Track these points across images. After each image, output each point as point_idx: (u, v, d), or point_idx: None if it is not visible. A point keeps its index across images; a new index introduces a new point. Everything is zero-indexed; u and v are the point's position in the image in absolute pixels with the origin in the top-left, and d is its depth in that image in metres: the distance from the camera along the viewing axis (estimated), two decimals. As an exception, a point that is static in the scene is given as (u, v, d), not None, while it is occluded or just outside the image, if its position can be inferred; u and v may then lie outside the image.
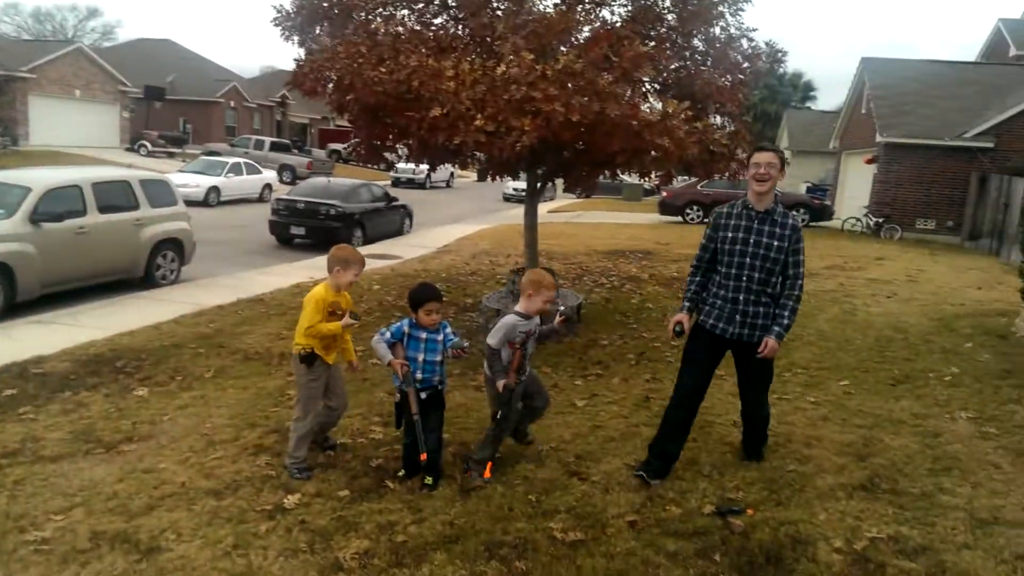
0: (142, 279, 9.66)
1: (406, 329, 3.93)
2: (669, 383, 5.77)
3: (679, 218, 21.64)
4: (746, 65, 6.90)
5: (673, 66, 6.65)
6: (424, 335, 3.91)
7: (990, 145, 18.73)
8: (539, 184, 7.60)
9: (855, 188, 22.94)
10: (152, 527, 3.39)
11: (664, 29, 6.64)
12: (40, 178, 8.77)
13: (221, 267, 11.38)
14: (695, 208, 21.56)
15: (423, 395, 3.88)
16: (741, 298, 3.85)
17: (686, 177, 15.88)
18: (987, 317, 8.77)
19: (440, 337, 3.95)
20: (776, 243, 3.78)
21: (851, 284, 11.07)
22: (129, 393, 5.31)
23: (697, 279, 4.09)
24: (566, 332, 7.40)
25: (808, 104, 49.02)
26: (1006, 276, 12.44)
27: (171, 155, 32.16)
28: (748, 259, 3.80)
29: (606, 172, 6.77)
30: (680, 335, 4.01)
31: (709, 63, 6.79)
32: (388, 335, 3.92)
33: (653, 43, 6.43)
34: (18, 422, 4.65)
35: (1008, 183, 16.94)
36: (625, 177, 7.92)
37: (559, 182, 7.85)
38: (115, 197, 9.30)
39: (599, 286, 10.38)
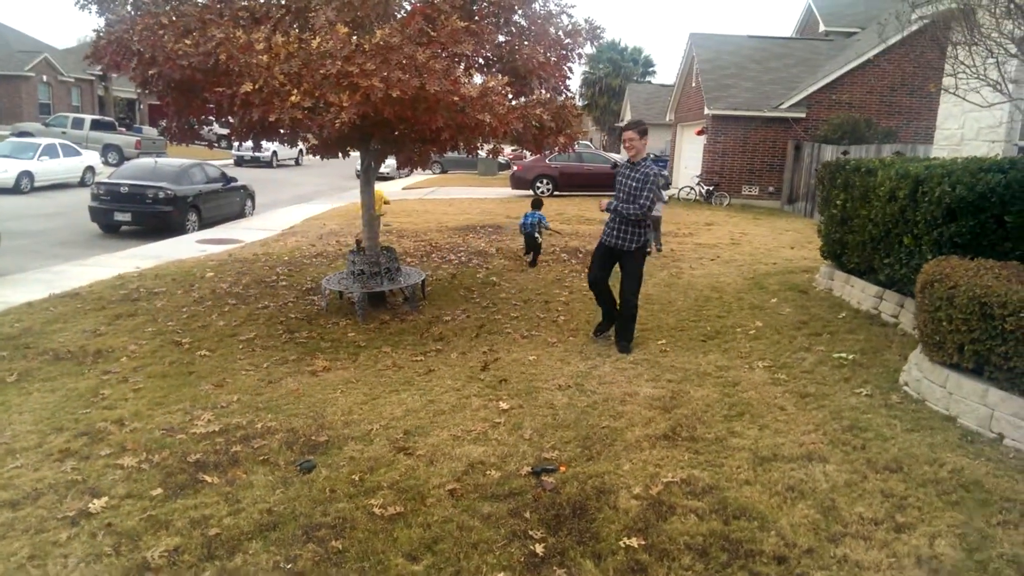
0: (-68, 278, 8.61)
1: None
2: (506, 353, 6.01)
3: (530, 191, 22.14)
4: (568, 41, 7.13)
5: (497, 41, 6.75)
6: None
7: (802, 115, 20.56)
8: (372, 162, 7.51)
9: (689, 158, 24.45)
10: (-71, 551, 3.10)
11: (486, 4, 6.71)
12: None
13: (33, 260, 10.36)
14: (544, 181, 22.13)
15: None
16: (617, 219, 6.01)
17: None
18: (793, 274, 9.74)
19: None
20: (634, 183, 5.86)
21: (680, 249, 11.87)
22: (-92, 406, 4.77)
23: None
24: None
25: (648, 79, 51.46)
26: (817, 237, 13.83)
27: (-29, 136, 28.59)
28: (621, 194, 5.98)
29: (435, 149, 6.81)
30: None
31: (531, 38, 6.95)
32: None
33: (477, 18, 6.49)
34: None
35: (818, 150, 18.72)
36: (481, 153, 7.94)
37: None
38: None
39: (447, 262, 10.47)
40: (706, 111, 21.26)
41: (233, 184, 15.78)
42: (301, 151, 34.80)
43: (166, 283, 8.76)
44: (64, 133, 26.70)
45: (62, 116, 30.70)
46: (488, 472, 3.82)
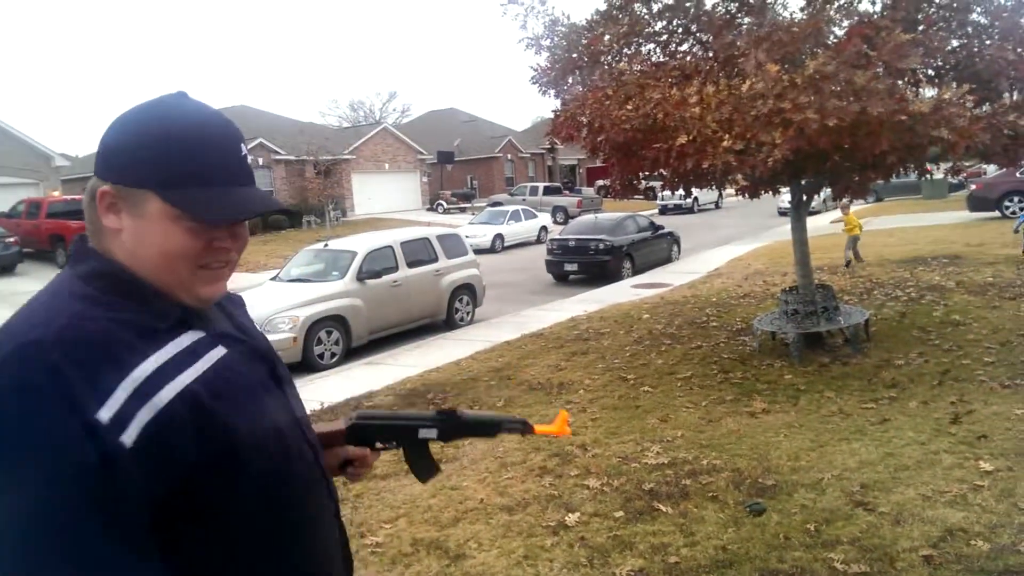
0: (444, 322, 11.06)
1: None
2: (980, 405, 5.11)
3: (995, 212, 18.51)
4: (1048, 30, 5.88)
5: (948, 47, 5.93)
6: None
7: None
8: (803, 196, 7.22)
9: None
10: (458, 537, 3.95)
11: (933, 9, 5.97)
12: (362, 242, 10.61)
13: (507, 306, 12.52)
14: (1016, 199, 18.27)
15: None
16: None
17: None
18: None
19: None
20: None
21: None
22: (436, 422, 6.16)
23: None
24: (852, 353, 6.87)
25: None
26: None
27: (463, 210, 36.04)
28: None
29: (877, 175, 6.22)
30: None
31: (996, 36, 5.92)
32: None
33: (921, 27, 5.82)
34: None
35: None
36: (937, 174, 7.04)
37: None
38: (419, 252, 10.85)
39: (892, 299, 9.39)
40: None
41: (660, 231, 16.77)
42: (720, 195, 35.20)
43: (609, 324, 9.69)
44: (524, 200, 31.81)
45: (522, 186, 36.73)
46: (973, 542, 3.27)
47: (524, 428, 1.35)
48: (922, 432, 4.74)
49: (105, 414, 0.85)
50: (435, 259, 11.00)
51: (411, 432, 1.31)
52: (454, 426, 1.32)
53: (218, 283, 1.04)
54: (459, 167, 44.32)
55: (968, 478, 3.95)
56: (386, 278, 10.12)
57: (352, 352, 9.55)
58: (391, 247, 10.47)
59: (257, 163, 31.29)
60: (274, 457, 1.02)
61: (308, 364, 8.89)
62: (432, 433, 1.29)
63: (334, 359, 9.26)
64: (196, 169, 0.98)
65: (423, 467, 1.37)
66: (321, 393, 7.38)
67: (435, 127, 48.40)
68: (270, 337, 9.20)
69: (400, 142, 39.47)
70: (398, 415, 1.37)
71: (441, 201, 37.16)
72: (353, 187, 35.97)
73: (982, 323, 7.57)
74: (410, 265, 10.55)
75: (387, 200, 37.01)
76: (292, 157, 32.52)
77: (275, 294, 9.64)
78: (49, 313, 0.92)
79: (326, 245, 10.95)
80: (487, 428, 1.36)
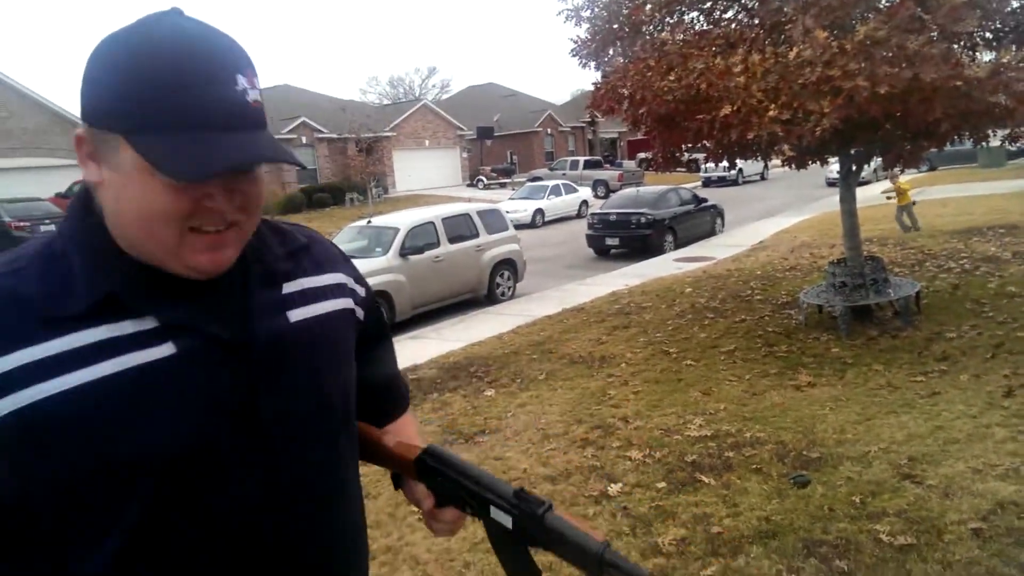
0: (486, 296, 11.15)
1: None
2: (1035, 377, 4.97)
3: (1060, 179, 17.73)
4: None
5: (1008, 8, 5.67)
6: None
7: None
8: (853, 166, 7.04)
9: None
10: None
11: (995, -32, 5.72)
12: (404, 219, 10.73)
13: (548, 281, 12.54)
14: (1083, 164, 17.44)
15: None
16: None
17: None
18: None
19: None
20: None
21: None
22: (481, 394, 6.27)
23: None
24: (903, 325, 6.73)
25: None
26: None
27: (503, 185, 36.01)
28: None
29: (931, 143, 6.01)
30: None
31: (1062, -6, 5.65)
32: None
33: (981, -13, 5.59)
34: (402, 418, 5.84)
35: None
36: (994, 141, 6.79)
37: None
38: (460, 228, 10.92)
39: (945, 271, 9.12)
40: None
41: (703, 204, 16.52)
42: (766, 166, 34.40)
43: (651, 298, 9.65)
44: (564, 174, 31.60)
45: (562, 160, 36.47)
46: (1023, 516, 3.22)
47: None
48: (973, 405, 4.64)
49: None
50: (476, 234, 11.06)
51: (482, 504, 1.00)
52: (534, 524, 0.94)
53: (219, 251, 0.84)
54: (498, 142, 44.17)
55: (1021, 452, 3.87)
56: (428, 253, 10.23)
57: (396, 327, 9.71)
58: (432, 223, 10.56)
59: (301, 141, 31.76)
60: (169, 482, 0.83)
61: (354, 338, 9.07)
62: (506, 520, 0.98)
63: (379, 334, 9.42)
64: (168, 108, 0.77)
65: (513, 561, 1.01)
66: (367, 366, 7.55)
67: (474, 102, 48.26)
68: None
69: (440, 118, 39.50)
70: (469, 472, 1.03)
71: (481, 177, 37.17)
72: (394, 164, 36.22)
73: (1040, 295, 7.32)
74: (451, 241, 10.63)
75: (427, 177, 37.19)
76: (334, 135, 32.87)
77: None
78: None
79: (369, 222, 11.10)
80: (578, 554, 0.90)
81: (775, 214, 19.87)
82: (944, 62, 4.84)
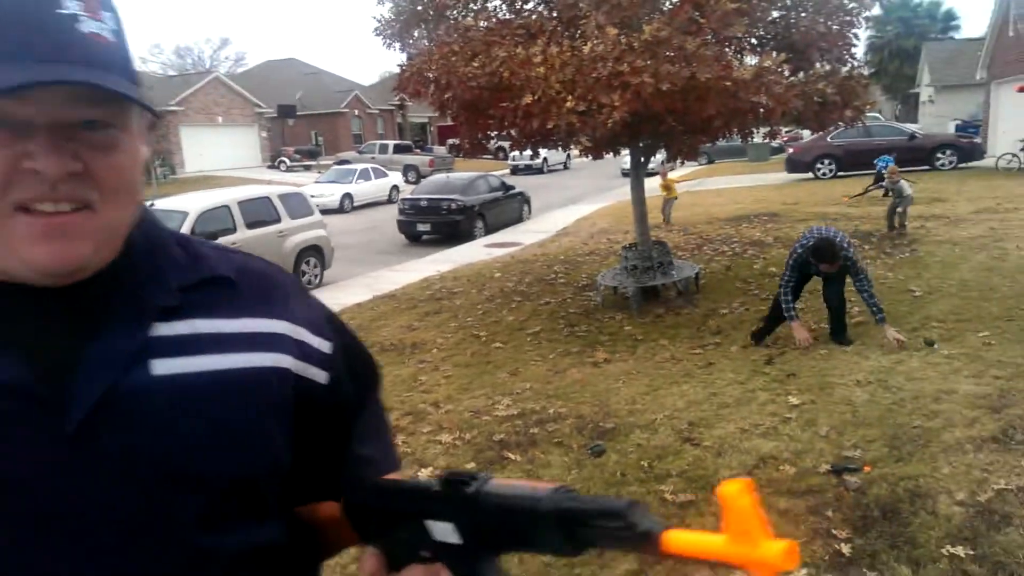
0: (289, 285, 10.60)
1: None
2: (790, 347, 5.70)
3: (809, 174, 20.52)
4: (852, 5, 6.53)
5: (770, 18, 6.42)
6: None
7: None
8: (641, 158, 7.60)
9: (1009, 120, 20.66)
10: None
11: (757, -20, 6.43)
12: (194, 202, 9.87)
13: (357, 268, 12.22)
14: (826, 161, 20.33)
15: None
16: None
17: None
18: None
19: None
20: None
21: (1004, 227, 10.13)
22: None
23: None
24: (684, 304, 7.41)
25: (950, 34, 44.42)
26: None
27: (307, 168, 34.47)
28: None
29: (706, 138, 6.67)
30: None
31: (810, 9, 6.49)
32: None
33: (746, -4, 6.26)
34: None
35: None
36: (756, 138, 7.64)
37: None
38: (259, 213, 10.26)
39: (719, 254, 10.19)
40: (1032, 61, 17.83)
41: (511, 191, 17.01)
42: (568, 155, 36.22)
43: (462, 284, 9.76)
44: (373, 158, 30.95)
45: (372, 144, 35.69)
46: (781, 467, 3.69)
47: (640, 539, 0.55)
48: (741, 373, 5.23)
49: None
50: (278, 219, 10.47)
51: (416, 526, 0.70)
52: (478, 514, 0.65)
53: (60, 241, 0.63)
54: (302, 122, 42.18)
55: (779, 412, 4.42)
56: (222, 240, 9.50)
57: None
58: (227, 207, 9.83)
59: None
60: None
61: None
62: (447, 530, 0.67)
63: (168, 327, 8.63)
64: None
65: None
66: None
67: (274, 78, 45.54)
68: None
69: (235, 94, 36.90)
70: (388, 488, 0.78)
71: (283, 158, 35.31)
72: (182, 142, 33.27)
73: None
74: (250, 226, 9.97)
75: (222, 157, 34.59)
76: (111, 107, 29.43)
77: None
78: None
79: (152, 205, 10.08)
80: (529, 523, 0.62)
81: (577, 202, 20.98)
82: (717, 63, 5.36)
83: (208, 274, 0.77)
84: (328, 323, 0.88)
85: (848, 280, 5.55)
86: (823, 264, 5.34)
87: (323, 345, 0.84)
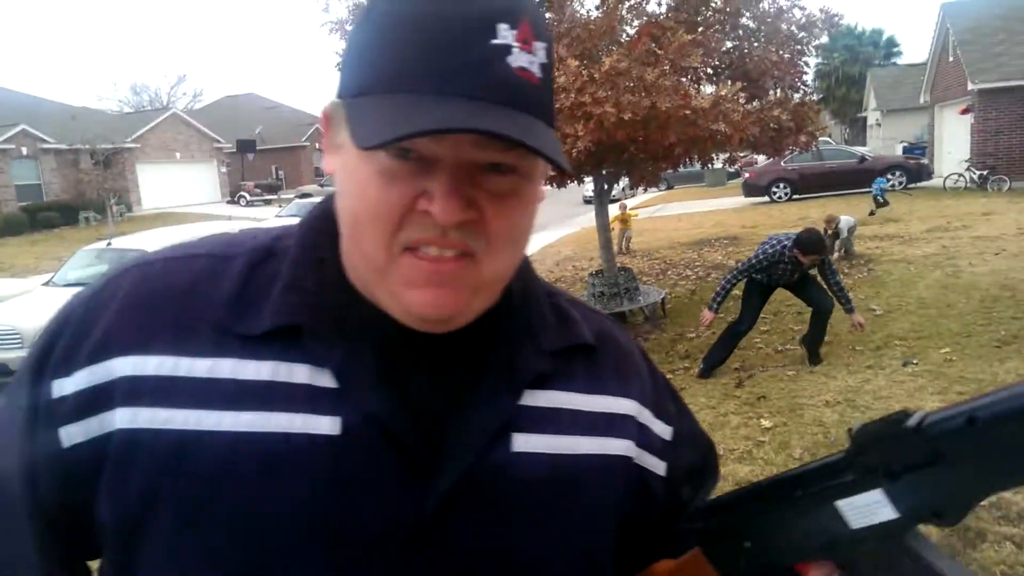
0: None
1: None
2: (760, 368, 5.75)
3: (765, 198, 21.01)
4: (802, 35, 6.74)
5: (724, 48, 6.59)
6: None
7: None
8: (604, 185, 7.68)
9: (953, 142, 21.54)
10: None
11: (710, 12, 6.60)
12: (154, 240, 9.64)
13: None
14: (781, 185, 20.85)
15: None
16: None
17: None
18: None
19: None
20: None
21: (955, 245, 10.46)
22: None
23: None
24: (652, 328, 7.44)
25: (893, 60, 46.34)
26: None
27: (267, 202, 34.13)
28: None
29: (667, 165, 6.79)
30: None
31: (762, 39, 6.68)
32: None
33: (700, 28, 6.41)
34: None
35: None
36: (716, 163, 7.78)
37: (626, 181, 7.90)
38: (218, 250, 10.06)
39: (683, 279, 10.29)
40: (970, 86, 18.65)
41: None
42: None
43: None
44: (334, 191, 30.75)
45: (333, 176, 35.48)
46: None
47: None
48: (712, 397, 5.24)
49: (58, 387, 0.62)
50: (239, 255, 10.30)
51: (811, 520, 0.57)
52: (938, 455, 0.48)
53: (438, 288, 0.59)
54: (262, 156, 41.91)
55: (752, 435, 4.43)
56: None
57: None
58: (188, 243, 9.63)
59: (20, 152, 27.48)
60: None
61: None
62: (877, 508, 0.52)
63: (125, 369, 8.36)
64: (383, 63, 0.56)
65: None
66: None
67: (233, 114, 45.29)
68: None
69: (193, 129, 36.50)
70: (774, 483, 0.62)
71: (243, 193, 34.90)
72: (139, 179, 32.72)
73: (757, 296, 8.52)
74: (211, 262, 9.78)
75: (181, 193, 34.11)
76: (64, 146, 28.85)
77: (49, 301, 8.48)
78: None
79: (109, 243, 9.83)
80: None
81: (540, 229, 21.10)
82: (675, 92, 5.46)
83: (577, 341, 0.70)
84: (672, 403, 0.78)
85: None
86: (810, 256, 5.27)
87: (664, 431, 0.74)
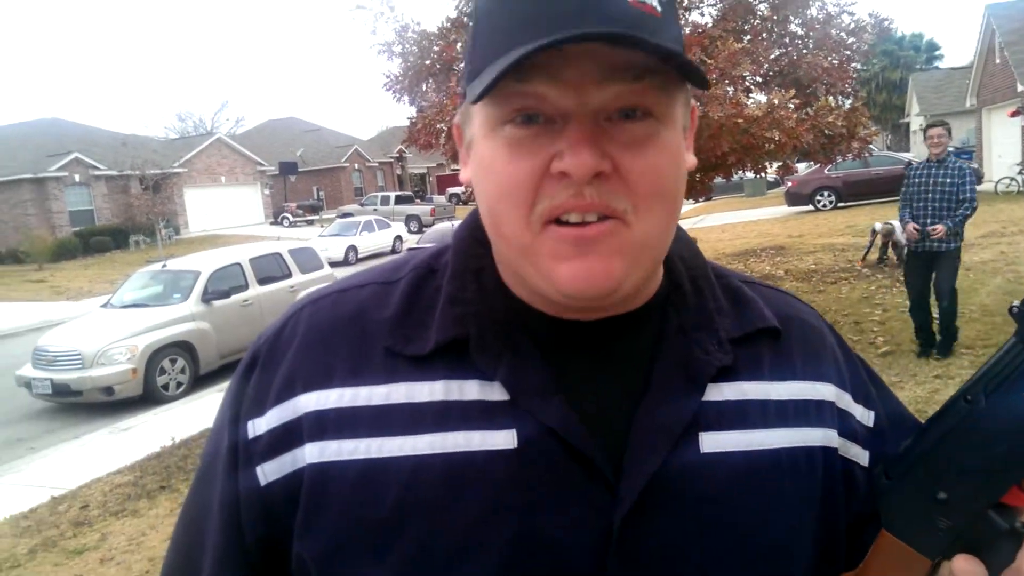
0: (300, 340, 10.54)
1: None
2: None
3: (809, 206, 20.66)
4: (851, 41, 6.64)
5: (773, 55, 6.52)
6: None
7: None
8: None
9: (1003, 145, 20.94)
10: None
11: (757, 21, 6.54)
12: (205, 261, 9.89)
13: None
14: (825, 193, 20.49)
15: None
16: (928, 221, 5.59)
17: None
18: None
19: None
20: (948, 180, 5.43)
21: (1013, 251, 10.13)
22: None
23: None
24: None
25: (935, 64, 45.39)
26: None
27: (310, 222, 34.75)
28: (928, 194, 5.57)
29: (720, 174, 6.72)
30: None
31: (811, 46, 6.60)
32: None
33: (748, 37, 6.36)
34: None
35: None
36: (770, 171, 7.62)
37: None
38: (270, 269, 10.27)
39: (731, 289, 10.16)
40: (1019, 88, 18.15)
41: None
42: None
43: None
44: (375, 210, 31.21)
45: (373, 195, 36.03)
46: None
47: None
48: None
49: (252, 427, 0.64)
50: (288, 275, 10.48)
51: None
52: None
53: (586, 257, 0.54)
54: (304, 178, 42.77)
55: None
56: (235, 297, 9.50)
57: (201, 379, 8.86)
58: (239, 264, 9.85)
59: (74, 179, 28.48)
60: None
61: (151, 397, 8.14)
62: None
63: (181, 389, 8.54)
64: (494, 33, 0.55)
65: None
66: (170, 428, 6.77)
67: (275, 137, 46.42)
68: (105, 371, 8.09)
69: (237, 153, 37.45)
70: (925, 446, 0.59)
71: (286, 214, 35.62)
72: (186, 202, 33.64)
73: (813, 306, 8.36)
74: (261, 282, 9.97)
75: (226, 215, 34.96)
76: (114, 172, 29.84)
77: (108, 323, 8.75)
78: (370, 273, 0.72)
79: (164, 265, 10.11)
80: None
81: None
82: (728, 101, 5.41)
83: (760, 325, 0.65)
84: (873, 386, 0.72)
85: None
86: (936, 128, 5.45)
87: (866, 417, 0.69)
